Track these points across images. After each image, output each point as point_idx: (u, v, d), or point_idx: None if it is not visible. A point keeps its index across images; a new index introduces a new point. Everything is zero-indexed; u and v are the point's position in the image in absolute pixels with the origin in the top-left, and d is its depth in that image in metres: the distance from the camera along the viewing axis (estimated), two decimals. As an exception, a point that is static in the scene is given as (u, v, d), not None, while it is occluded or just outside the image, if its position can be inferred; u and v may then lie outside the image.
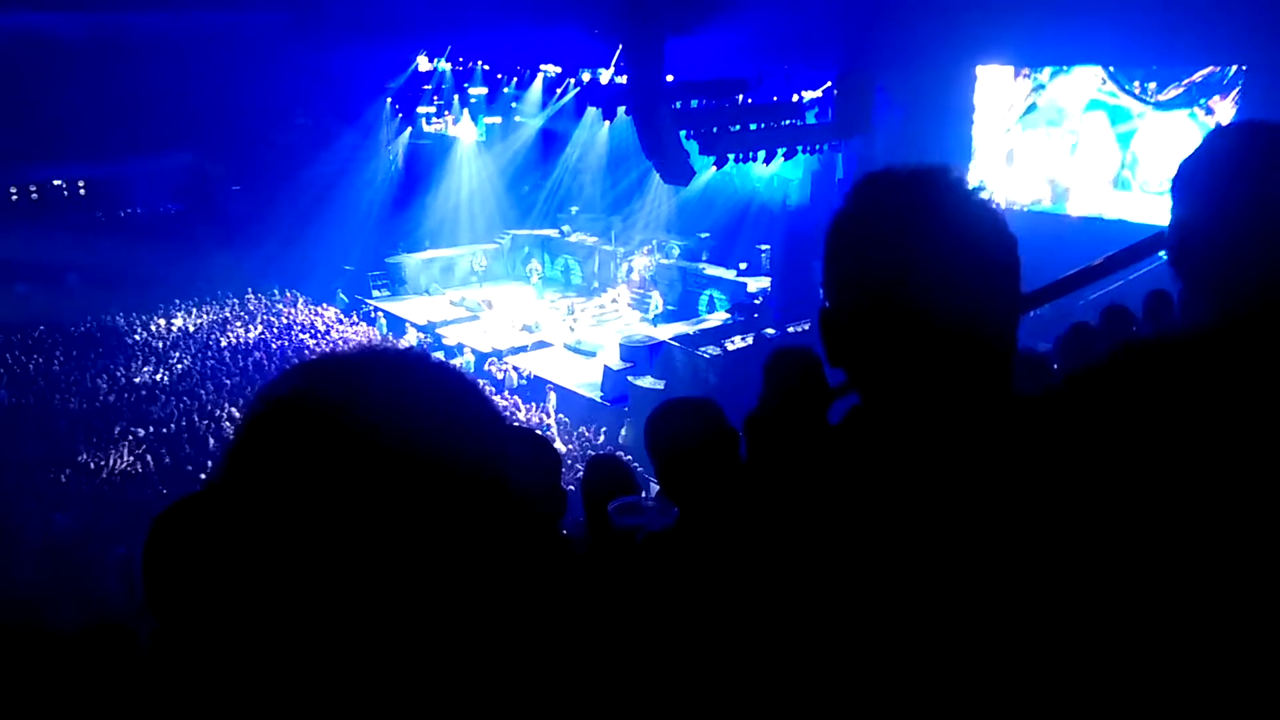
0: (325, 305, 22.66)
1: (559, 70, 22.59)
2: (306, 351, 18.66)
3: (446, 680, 0.65)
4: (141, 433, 14.80)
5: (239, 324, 21.17)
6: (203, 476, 13.07)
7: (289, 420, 0.67)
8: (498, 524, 0.69)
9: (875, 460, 1.00)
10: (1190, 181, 1.24)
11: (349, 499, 0.64)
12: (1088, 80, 15.69)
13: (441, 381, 0.73)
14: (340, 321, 21.73)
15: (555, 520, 2.53)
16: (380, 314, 22.52)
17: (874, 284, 0.98)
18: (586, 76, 21.84)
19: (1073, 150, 16.05)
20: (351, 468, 0.65)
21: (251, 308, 22.24)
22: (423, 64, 24.88)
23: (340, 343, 19.80)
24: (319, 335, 20.36)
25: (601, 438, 15.88)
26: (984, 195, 0.99)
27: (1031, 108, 16.44)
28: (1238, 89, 13.96)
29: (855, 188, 1.03)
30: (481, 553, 0.68)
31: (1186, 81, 14.45)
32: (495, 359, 18.86)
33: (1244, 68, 13.79)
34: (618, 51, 17.62)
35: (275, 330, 20.79)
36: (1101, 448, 0.99)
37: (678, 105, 16.21)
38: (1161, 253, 1.28)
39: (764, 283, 19.75)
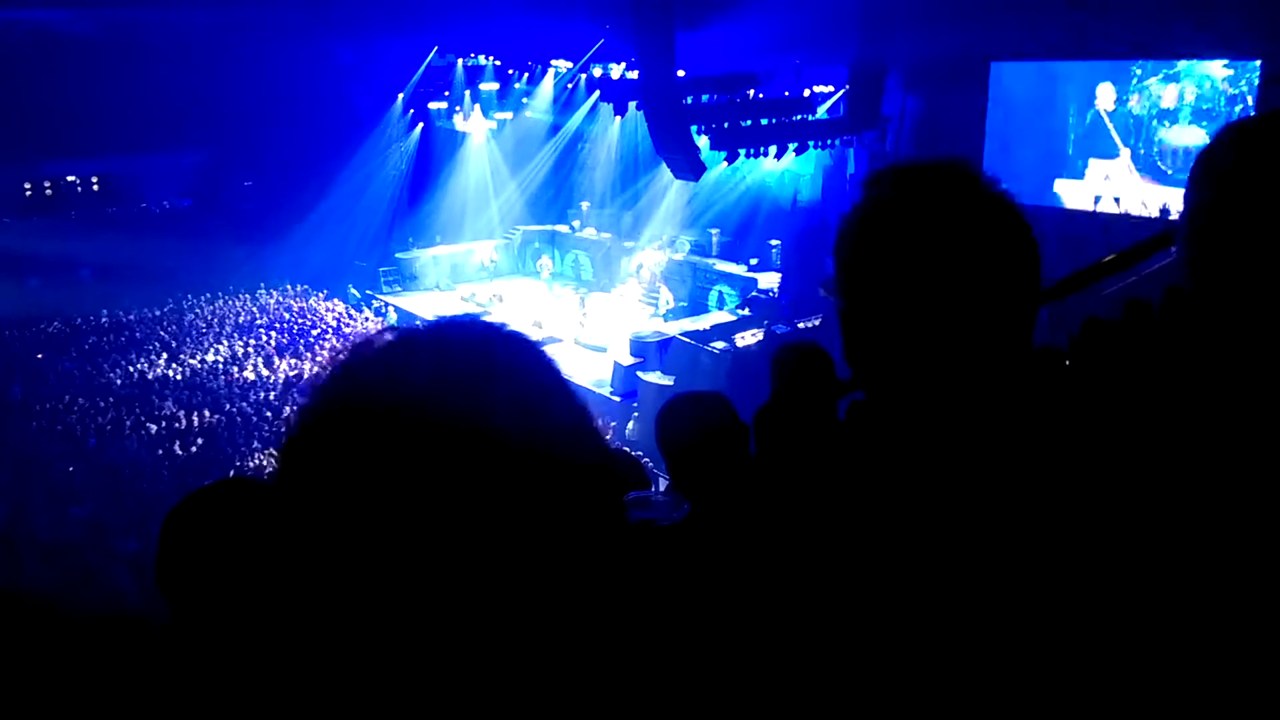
0: (336, 300, 22.73)
1: (570, 65, 22.58)
2: (318, 346, 18.73)
3: (462, 688, 0.61)
4: (154, 428, 14.89)
5: (250, 318, 21.26)
6: (214, 469, 13.13)
7: (356, 412, 0.62)
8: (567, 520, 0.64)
9: (883, 456, 0.99)
10: (1203, 171, 1.22)
11: (433, 494, 0.59)
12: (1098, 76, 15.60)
13: (520, 359, 0.68)
14: (351, 317, 21.79)
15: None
16: (391, 309, 22.58)
17: (886, 279, 0.97)
18: (598, 72, 21.84)
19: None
20: (432, 458, 0.60)
21: (263, 302, 22.35)
22: (434, 60, 24.92)
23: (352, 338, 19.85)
24: (330, 330, 20.43)
25: (610, 433, 15.90)
26: (1001, 190, 0.98)
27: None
28: (1246, 81, 13.83)
29: (869, 182, 1.02)
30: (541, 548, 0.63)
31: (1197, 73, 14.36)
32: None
33: (1259, 61, 13.68)
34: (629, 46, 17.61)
35: (287, 324, 20.87)
36: (1109, 446, 0.98)
37: (689, 100, 16.18)
38: (1174, 247, 1.26)
39: (774, 278, 19.70)
